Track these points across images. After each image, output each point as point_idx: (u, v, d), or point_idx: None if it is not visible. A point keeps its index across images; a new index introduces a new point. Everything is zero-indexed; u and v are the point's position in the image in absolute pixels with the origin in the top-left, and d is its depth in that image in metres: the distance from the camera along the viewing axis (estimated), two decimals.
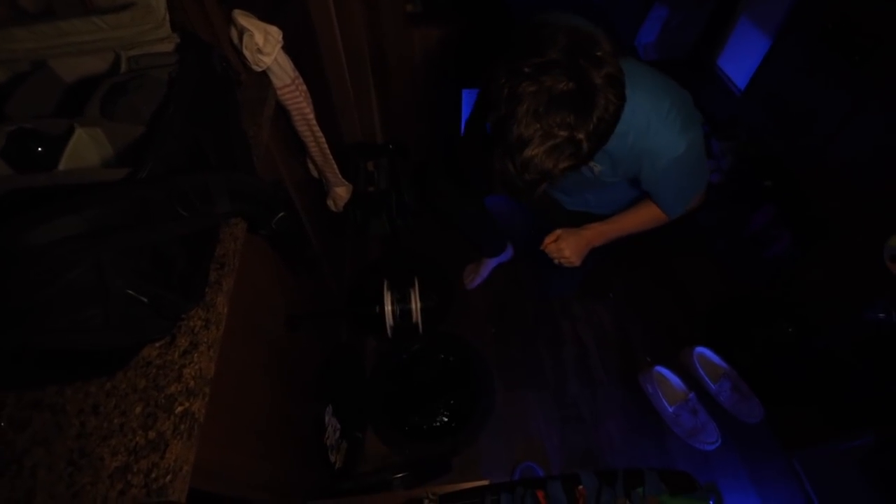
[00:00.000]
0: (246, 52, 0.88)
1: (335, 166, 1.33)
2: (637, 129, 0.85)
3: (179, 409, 0.50)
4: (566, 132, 0.63)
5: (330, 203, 1.49)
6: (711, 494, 0.98)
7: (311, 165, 1.35)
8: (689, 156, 0.89)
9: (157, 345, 0.55)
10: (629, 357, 1.73)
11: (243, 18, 0.87)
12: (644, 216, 1.11)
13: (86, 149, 0.55)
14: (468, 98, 1.90)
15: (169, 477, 0.46)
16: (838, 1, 1.48)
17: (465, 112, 1.93)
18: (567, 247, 1.08)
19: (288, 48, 0.96)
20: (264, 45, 0.88)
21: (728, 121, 1.94)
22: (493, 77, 0.67)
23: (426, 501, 0.91)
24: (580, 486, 0.99)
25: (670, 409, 1.54)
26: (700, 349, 1.64)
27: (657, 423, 1.57)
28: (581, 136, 0.63)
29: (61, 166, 0.52)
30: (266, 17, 0.92)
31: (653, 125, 0.84)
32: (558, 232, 1.11)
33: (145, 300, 0.48)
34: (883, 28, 1.32)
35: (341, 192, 1.45)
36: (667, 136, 0.85)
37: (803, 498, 1.43)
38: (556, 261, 1.12)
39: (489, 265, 1.84)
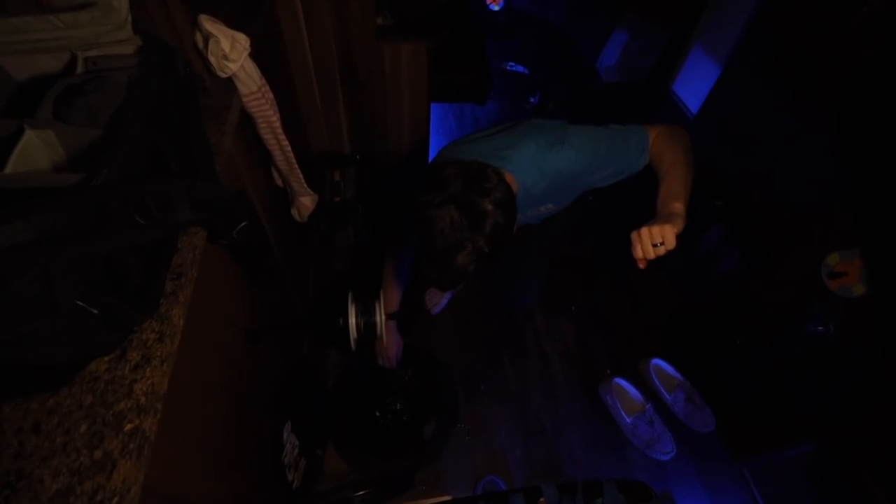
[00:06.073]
0: (211, 58, 0.86)
1: (300, 175, 1.32)
2: (542, 174, 0.99)
3: (129, 426, 0.48)
4: (469, 244, 0.81)
5: (294, 213, 1.46)
6: (667, 503, 1.01)
7: (275, 174, 1.32)
8: (581, 146, 1.00)
9: (106, 359, 0.52)
10: (590, 368, 1.77)
11: (209, 24, 0.85)
12: (670, 185, 1.05)
13: (36, 151, 0.52)
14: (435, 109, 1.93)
15: (116, 499, 0.44)
16: (779, 35, 1.60)
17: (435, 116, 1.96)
18: (660, 230, 0.95)
19: (255, 55, 0.94)
20: (230, 51, 0.87)
21: None
22: (412, 206, 0.86)
23: None
24: (541, 499, 1.00)
25: (628, 420, 1.58)
26: (656, 361, 1.70)
27: (616, 434, 1.61)
28: (481, 243, 0.82)
29: (8, 169, 0.49)
30: (233, 23, 0.90)
31: (548, 163, 0.99)
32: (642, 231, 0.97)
33: (95, 311, 0.45)
34: (818, 61, 1.43)
35: (306, 201, 1.43)
36: (562, 157, 0.99)
37: (752, 503, 1.49)
38: (653, 251, 0.97)
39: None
